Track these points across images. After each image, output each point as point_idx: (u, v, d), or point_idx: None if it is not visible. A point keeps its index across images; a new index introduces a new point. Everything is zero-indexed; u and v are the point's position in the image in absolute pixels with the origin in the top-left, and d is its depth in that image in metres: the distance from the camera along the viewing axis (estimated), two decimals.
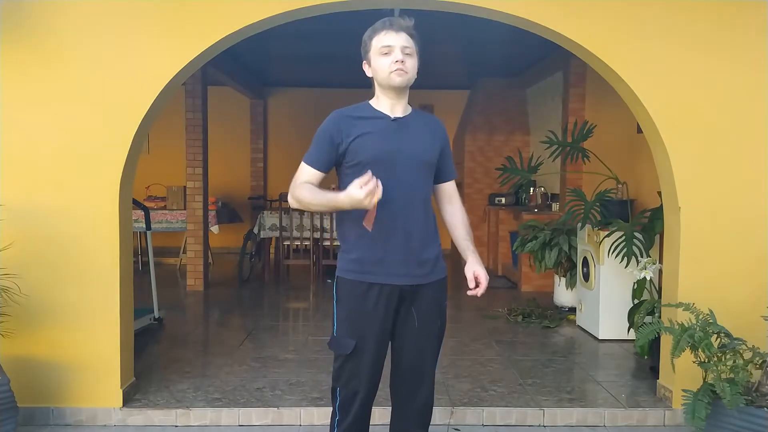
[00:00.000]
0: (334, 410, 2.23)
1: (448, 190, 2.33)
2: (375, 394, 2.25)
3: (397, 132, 2.14)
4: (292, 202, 2.14)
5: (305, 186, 2.11)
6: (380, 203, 1.94)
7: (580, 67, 6.44)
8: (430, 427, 2.33)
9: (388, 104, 2.16)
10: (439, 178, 2.30)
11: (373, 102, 2.20)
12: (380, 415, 3.23)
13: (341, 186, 2.13)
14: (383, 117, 2.16)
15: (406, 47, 2.09)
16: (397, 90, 2.13)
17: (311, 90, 9.37)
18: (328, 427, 2.30)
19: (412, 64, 2.11)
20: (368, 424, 2.29)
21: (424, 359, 2.22)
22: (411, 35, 2.11)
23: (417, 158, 2.14)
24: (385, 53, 2.09)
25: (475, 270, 2.21)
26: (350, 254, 2.17)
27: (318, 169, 2.15)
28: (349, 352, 2.13)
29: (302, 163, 2.17)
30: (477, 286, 2.21)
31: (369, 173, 1.92)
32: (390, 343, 2.23)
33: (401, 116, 2.17)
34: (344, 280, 2.17)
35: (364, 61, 2.18)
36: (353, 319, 2.15)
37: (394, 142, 2.12)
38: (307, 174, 2.15)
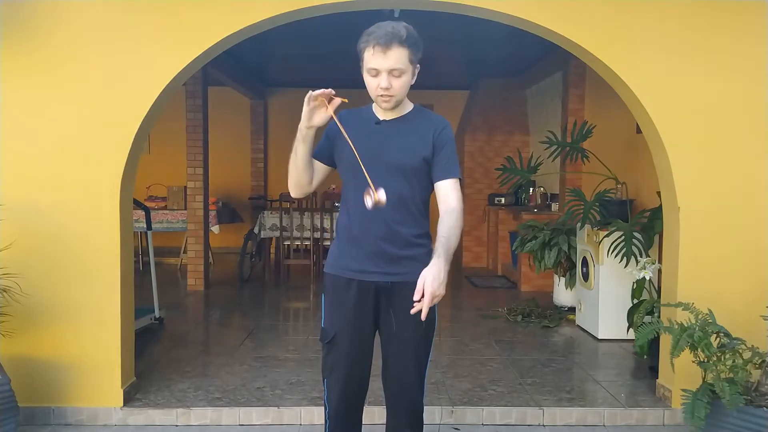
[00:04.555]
0: (324, 402, 2.26)
1: (442, 189, 2.17)
2: (361, 391, 2.25)
3: (379, 136, 2.13)
4: (290, 186, 2.20)
5: None
6: (359, 202, 2.01)
7: (580, 68, 6.45)
8: (430, 426, 2.33)
9: (381, 109, 2.17)
10: (434, 176, 2.19)
11: (374, 105, 2.20)
12: (380, 414, 3.24)
13: (343, 189, 2.24)
14: (371, 120, 2.17)
15: (395, 69, 2.01)
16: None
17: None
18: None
19: (400, 85, 2.05)
20: (358, 420, 2.29)
21: (406, 360, 2.20)
22: (406, 46, 2.00)
23: (395, 162, 2.11)
24: (373, 75, 2.04)
25: (424, 276, 1.89)
26: (333, 251, 2.27)
27: (317, 157, 2.21)
28: (328, 341, 2.19)
29: None
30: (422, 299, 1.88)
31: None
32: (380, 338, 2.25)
33: (391, 119, 2.16)
34: (327, 275, 2.26)
35: (361, 65, 2.12)
36: (333, 311, 2.21)
37: (374, 146, 2.11)
38: None
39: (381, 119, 2.16)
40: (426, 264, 2.03)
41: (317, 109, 2.04)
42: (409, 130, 2.16)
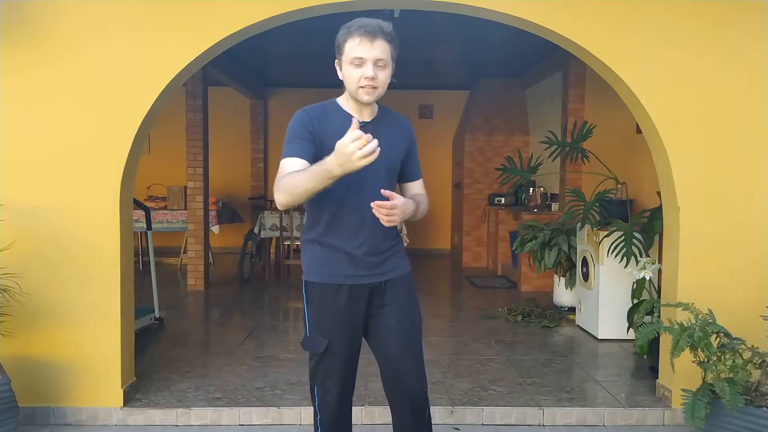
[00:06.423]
0: (315, 409, 2.25)
1: (415, 188, 2.28)
2: (352, 391, 2.27)
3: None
4: (280, 197, 1.94)
5: (291, 173, 1.94)
6: (347, 209, 2.03)
7: (580, 68, 6.45)
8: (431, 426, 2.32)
9: (355, 108, 2.11)
10: (407, 177, 2.25)
11: (341, 101, 2.15)
12: (379, 414, 3.24)
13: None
14: (351, 120, 2.06)
15: (380, 60, 1.98)
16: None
17: (311, 90, 9.33)
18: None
19: (384, 77, 2.01)
20: (350, 422, 2.30)
21: (413, 353, 2.21)
22: (389, 41, 1.99)
23: (384, 164, 2.07)
24: (357, 65, 1.98)
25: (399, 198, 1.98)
26: (314, 258, 2.16)
27: (304, 158, 1.99)
28: (322, 351, 2.14)
29: (283, 160, 2.02)
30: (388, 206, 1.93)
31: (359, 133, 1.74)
32: (368, 342, 2.23)
33: (369, 120, 2.12)
34: (312, 284, 2.17)
35: (336, 61, 2.07)
36: (324, 319, 2.15)
37: None
38: (292, 166, 1.97)
39: (361, 120, 2.08)
40: (403, 256, 2.25)
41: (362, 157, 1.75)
42: (390, 131, 2.16)
